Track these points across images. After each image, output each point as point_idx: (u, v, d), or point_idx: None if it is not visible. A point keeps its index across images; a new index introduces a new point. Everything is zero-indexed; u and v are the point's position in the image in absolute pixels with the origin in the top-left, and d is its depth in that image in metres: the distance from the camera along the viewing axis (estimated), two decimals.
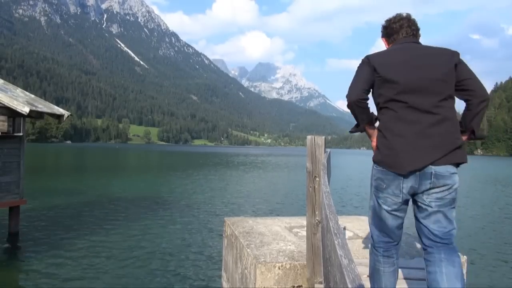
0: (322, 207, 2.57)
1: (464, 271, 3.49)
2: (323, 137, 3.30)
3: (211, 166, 39.74)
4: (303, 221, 4.92)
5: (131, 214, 11.72)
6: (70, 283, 6.08)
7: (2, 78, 9.23)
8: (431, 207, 2.04)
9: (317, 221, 3.07)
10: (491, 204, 16.77)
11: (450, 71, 2.09)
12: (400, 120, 2.07)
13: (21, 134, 8.67)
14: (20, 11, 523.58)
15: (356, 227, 4.78)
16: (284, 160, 61.58)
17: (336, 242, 1.34)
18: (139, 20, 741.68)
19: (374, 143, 2.21)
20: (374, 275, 2.25)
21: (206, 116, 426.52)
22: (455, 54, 2.15)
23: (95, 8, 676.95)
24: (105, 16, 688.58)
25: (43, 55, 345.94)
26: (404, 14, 2.34)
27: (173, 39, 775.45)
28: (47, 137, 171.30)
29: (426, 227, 2.09)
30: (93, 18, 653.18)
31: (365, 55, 2.24)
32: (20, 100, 7.79)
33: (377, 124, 2.21)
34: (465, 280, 2.19)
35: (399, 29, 2.29)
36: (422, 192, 2.04)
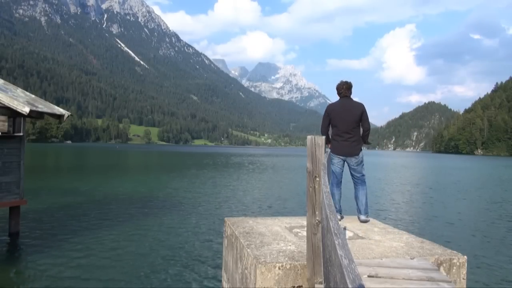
0: (323, 207, 2.56)
1: (464, 271, 3.50)
2: (323, 137, 3.30)
3: (211, 166, 39.72)
4: (303, 221, 4.92)
5: (131, 214, 11.72)
6: (70, 283, 6.07)
7: (3, 78, 9.22)
8: (354, 165, 5.06)
9: (317, 221, 3.07)
10: (490, 204, 16.76)
11: (359, 114, 4.94)
12: (337, 135, 5.04)
13: (21, 134, 8.67)
14: (20, 11, 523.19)
15: (356, 227, 4.77)
16: (284, 160, 61.56)
17: (336, 242, 1.34)
18: (139, 20, 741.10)
19: (330, 146, 5.15)
20: (331, 195, 4.70)
21: (207, 116, 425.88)
22: (362, 106, 4.98)
23: (95, 8, 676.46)
24: (105, 16, 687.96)
25: (43, 55, 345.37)
26: (344, 80, 5.07)
27: (173, 39, 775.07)
28: (47, 137, 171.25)
29: (354, 173, 5.12)
30: (93, 18, 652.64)
31: (327, 105, 5.26)
32: (20, 100, 7.79)
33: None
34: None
35: (344, 91, 5.04)
36: (350, 160, 5.06)
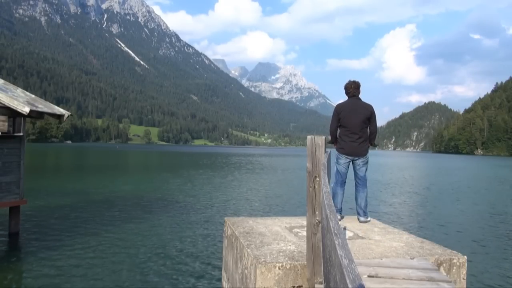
0: (322, 207, 2.57)
1: (464, 271, 3.50)
2: (323, 137, 3.30)
3: (211, 166, 39.72)
4: (303, 221, 4.91)
5: (131, 214, 11.72)
6: (70, 283, 6.07)
7: (3, 78, 9.22)
8: (359, 165, 5.09)
9: (317, 221, 3.07)
10: (490, 204, 16.75)
11: (368, 115, 4.98)
12: (345, 135, 5.03)
13: (21, 134, 8.67)
14: (20, 11, 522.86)
15: (356, 227, 4.77)
16: (284, 160, 61.55)
17: (336, 242, 1.34)
18: (139, 20, 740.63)
19: (336, 146, 5.17)
20: (334, 195, 5.07)
21: (207, 116, 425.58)
22: (371, 107, 5.04)
23: (95, 8, 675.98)
24: (105, 16, 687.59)
25: (43, 55, 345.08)
26: (352, 80, 5.09)
27: (173, 39, 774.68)
28: (47, 137, 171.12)
29: (358, 173, 5.13)
30: (93, 18, 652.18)
31: (336, 104, 5.25)
32: (20, 100, 7.79)
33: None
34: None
35: (352, 90, 5.07)
36: (356, 160, 5.07)
